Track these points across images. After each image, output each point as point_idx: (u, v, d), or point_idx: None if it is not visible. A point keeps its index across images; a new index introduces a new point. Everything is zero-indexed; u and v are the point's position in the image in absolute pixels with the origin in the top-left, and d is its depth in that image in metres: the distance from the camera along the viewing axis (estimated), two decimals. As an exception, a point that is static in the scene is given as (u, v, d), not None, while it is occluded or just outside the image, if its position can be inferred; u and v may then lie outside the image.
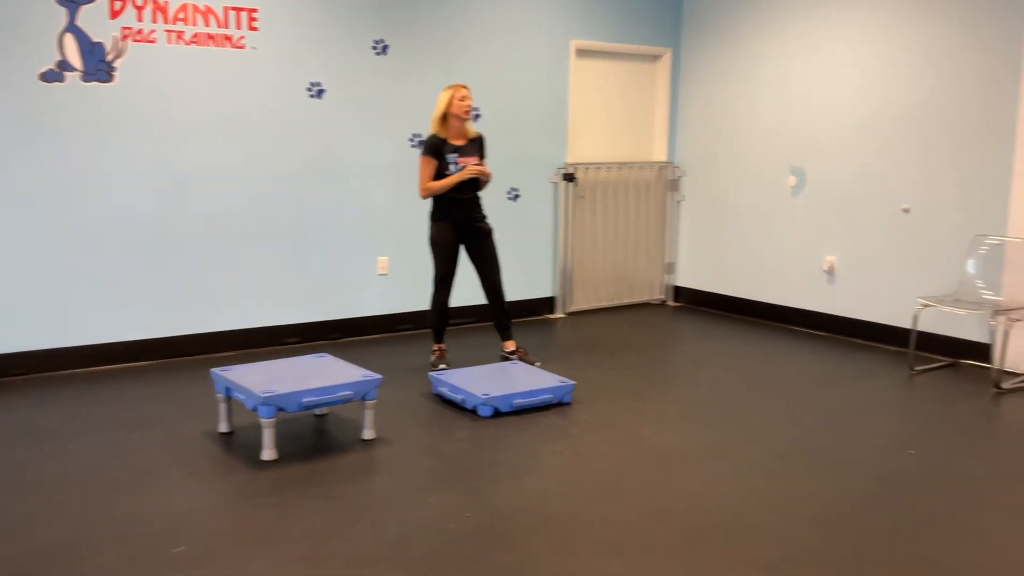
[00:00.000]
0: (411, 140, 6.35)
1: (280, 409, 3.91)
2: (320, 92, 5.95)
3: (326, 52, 5.94)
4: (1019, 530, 3.38)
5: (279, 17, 5.73)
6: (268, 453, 3.97)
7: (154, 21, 5.32)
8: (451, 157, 5.30)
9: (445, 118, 5.31)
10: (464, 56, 6.51)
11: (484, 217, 5.52)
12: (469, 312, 6.71)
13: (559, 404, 4.84)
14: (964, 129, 5.80)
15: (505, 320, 5.59)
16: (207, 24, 5.49)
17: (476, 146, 5.44)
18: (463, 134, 5.39)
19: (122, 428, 4.37)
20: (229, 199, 5.73)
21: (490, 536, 3.26)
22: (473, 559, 3.08)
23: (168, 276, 5.58)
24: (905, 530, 3.37)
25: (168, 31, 5.38)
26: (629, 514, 3.47)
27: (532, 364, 5.42)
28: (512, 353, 5.60)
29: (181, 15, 5.39)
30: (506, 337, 5.63)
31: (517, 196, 6.90)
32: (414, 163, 6.38)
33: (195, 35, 5.46)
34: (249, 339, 5.91)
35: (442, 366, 5.53)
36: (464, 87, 5.32)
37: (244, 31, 5.62)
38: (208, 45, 5.51)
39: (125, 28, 5.25)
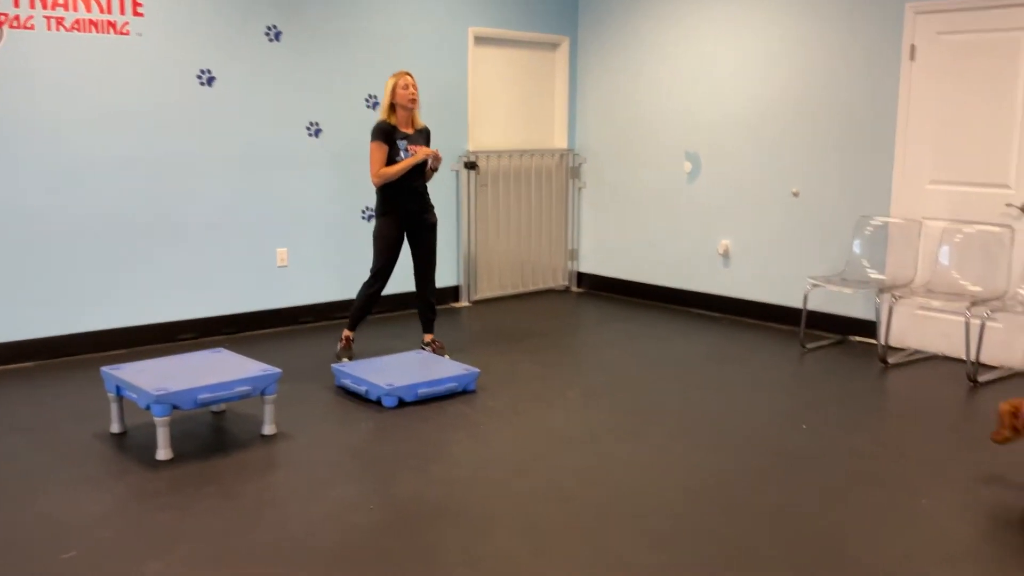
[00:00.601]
0: (308, 128, 6.24)
1: (175, 407, 3.80)
2: (211, 80, 5.78)
3: (216, 38, 5.77)
4: (904, 501, 3.55)
5: (165, 2, 5.54)
6: (163, 453, 3.85)
7: (32, 7, 5.07)
8: (402, 144, 5.26)
9: (393, 107, 5.26)
10: (360, 42, 6.41)
11: (432, 207, 5.49)
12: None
13: (464, 392, 4.84)
14: (849, 115, 6.02)
15: (430, 314, 5.57)
16: (88, 10, 5.26)
17: (423, 137, 5.39)
18: (411, 123, 5.35)
19: (7, 432, 4.16)
20: (116, 192, 5.51)
21: (396, 527, 3.24)
22: (377, 550, 3.06)
23: (52, 272, 5.34)
24: (798, 503, 3.49)
25: (47, 17, 5.13)
26: (534, 497, 3.50)
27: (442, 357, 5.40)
28: (427, 345, 5.60)
29: (60, 0, 5.15)
30: (427, 330, 5.61)
31: (418, 185, 6.85)
32: (312, 152, 6.27)
33: (76, 21, 5.23)
34: (141, 336, 5.71)
35: (345, 359, 5.45)
36: (407, 74, 5.26)
37: (128, 17, 5.41)
38: (91, 32, 5.29)
39: (1, 14, 4.98)
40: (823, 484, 3.67)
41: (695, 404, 4.70)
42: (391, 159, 5.24)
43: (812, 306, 6.25)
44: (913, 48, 5.67)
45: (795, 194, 6.35)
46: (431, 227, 5.47)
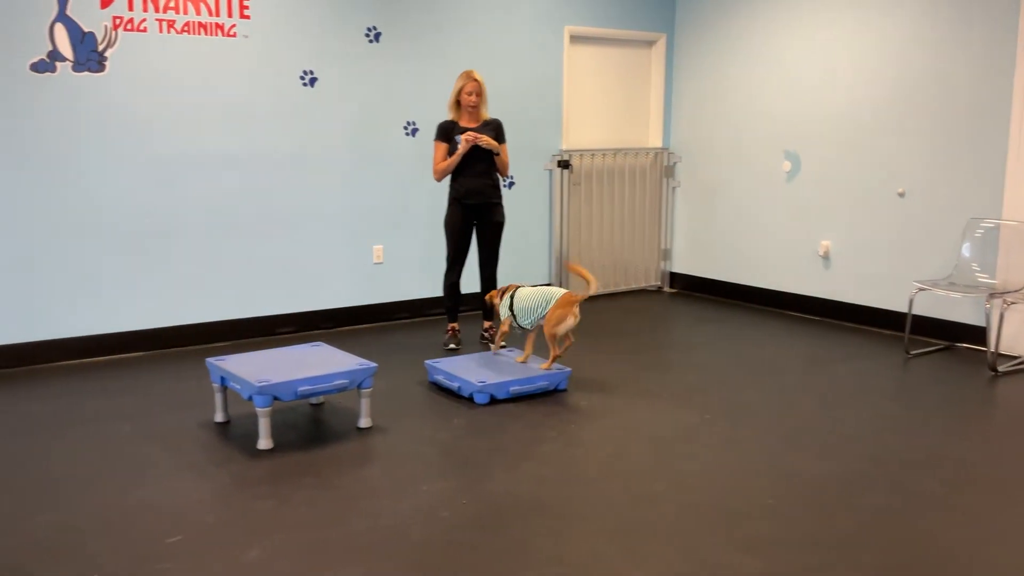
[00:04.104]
0: (405, 128, 6.34)
1: (276, 398, 3.91)
2: (313, 80, 5.93)
3: (319, 40, 5.91)
4: (1013, 510, 3.39)
5: (271, 4, 5.70)
6: (264, 442, 3.96)
7: (144, 10, 5.29)
8: (458, 138, 5.38)
9: (458, 104, 5.45)
10: (457, 42, 6.48)
11: (499, 202, 5.60)
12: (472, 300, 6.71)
13: (555, 391, 4.84)
14: (959, 111, 5.78)
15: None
16: (198, 12, 5.46)
17: (490, 129, 5.48)
18: (477, 118, 5.49)
19: (114, 420, 4.36)
20: (220, 188, 5.71)
21: (486, 522, 3.26)
22: (468, 545, 3.09)
23: (159, 266, 5.57)
24: (900, 511, 3.37)
25: (159, 20, 5.35)
26: (624, 498, 3.47)
27: (492, 347, 5.33)
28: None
29: (171, 4, 5.36)
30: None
31: (512, 184, 6.89)
32: (409, 151, 6.37)
33: (186, 24, 5.43)
34: (242, 329, 5.90)
35: (452, 346, 5.61)
36: (474, 80, 5.38)
37: (235, 19, 5.59)
38: (200, 34, 5.49)
39: (116, 17, 5.22)
40: (926, 491, 3.53)
41: (791, 408, 4.59)
42: (452, 154, 5.45)
43: (918, 310, 6.02)
44: (1031, 42, 5.41)
45: (901, 194, 6.14)
46: (496, 225, 5.60)
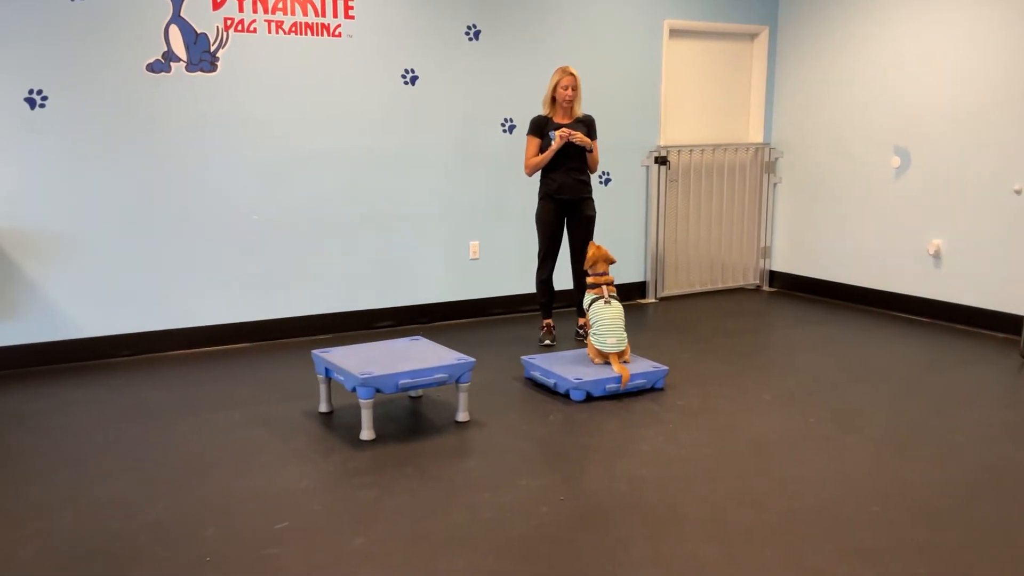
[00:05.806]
0: (502, 125, 6.37)
1: (378, 390, 3.99)
2: (414, 79, 6.02)
3: (420, 39, 5.99)
4: None
5: (373, 4, 5.81)
6: (366, 433, 4.05)
7: (254, 11, 5.46)
8: (552, 134, 5.40)
9: (553, 100, 5.47)
10: (556, 38, 6.48)
11: (588, 196, 5.59)
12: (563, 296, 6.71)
13: (652, 389, 4.80)
14: (1083, 105, 5.50)
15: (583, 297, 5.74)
16: (305, 13, 5.60)
17: (583, 126, 5.50)
18: (570, 114, 5.51)
19: (225, 408, 4.52)
20: (325, 185, 5.85)
21: (583, 520, 3.26)
22: (566, 542, 3.09)
23: (266, 260, 5.74)
24: (1015, 523, 3.23)
25: (268, 21, 5.51)
26: (724, 500, 3.43)
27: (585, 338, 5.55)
28: (581, 327, 5.79)
29: (280, 5, 5.52)
30: (582, 314, 5.77)
31: (608, 180, 6.86)
32: (506, 148, 6.40)
33: (294, 24, 5.58)
34: (343, 323, 6.04)
35: (547, 342, 5.62)
36: (570, 74, 5.39)
37: (340, 19, 5.71)
38: (306, 34, 5.63)
39: (227, 18, 5.40)
40: (1046, 507, 3.38)
41: (899, 413, 4.45)
42: (545, 149, 5.47)
43: (1034, 313, 5.76)
44: None
45: (1017, 191, 5.87)
46: (587, 219, 5.60)
